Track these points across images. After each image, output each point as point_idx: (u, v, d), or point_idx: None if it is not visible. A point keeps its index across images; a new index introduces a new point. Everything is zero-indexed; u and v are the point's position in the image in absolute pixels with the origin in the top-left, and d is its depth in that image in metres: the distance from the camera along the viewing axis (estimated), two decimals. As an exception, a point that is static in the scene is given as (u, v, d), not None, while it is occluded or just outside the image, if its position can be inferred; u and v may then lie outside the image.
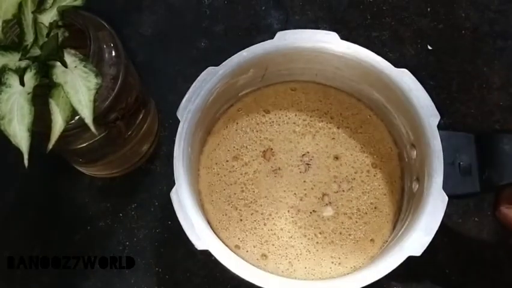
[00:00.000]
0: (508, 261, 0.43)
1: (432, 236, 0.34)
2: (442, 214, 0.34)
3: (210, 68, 0.38)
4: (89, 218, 0.45)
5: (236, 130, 0.41)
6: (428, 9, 0.52)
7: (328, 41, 0.39)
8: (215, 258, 0.43)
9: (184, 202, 0.35)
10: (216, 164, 0.40)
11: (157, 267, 0.44)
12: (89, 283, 0.43)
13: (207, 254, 0.44)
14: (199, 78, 0.38)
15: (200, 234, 0.34)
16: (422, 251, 0.33)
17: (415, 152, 0.38)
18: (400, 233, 0.36)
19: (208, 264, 0.43)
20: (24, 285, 0.44)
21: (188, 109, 0.37)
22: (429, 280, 0.43)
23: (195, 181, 0.39)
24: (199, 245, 0.34)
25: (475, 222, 0.44)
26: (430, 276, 0.43)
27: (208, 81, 0.38)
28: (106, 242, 0.44)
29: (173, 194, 0.35)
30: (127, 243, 0.44)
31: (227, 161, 0.40)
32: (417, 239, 0.34)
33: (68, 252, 0.44)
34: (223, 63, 0.38)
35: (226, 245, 0.38)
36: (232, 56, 0.38)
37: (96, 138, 0.38)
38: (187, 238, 0.44)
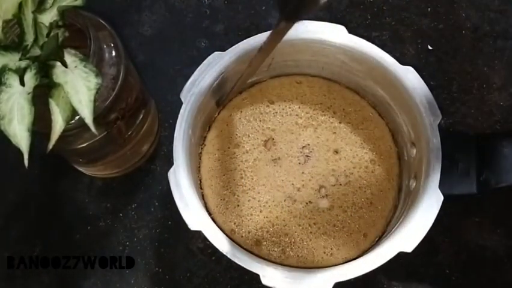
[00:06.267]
0: (508, 261, 0.43)
1: (425, 233, 0.34)
2: (436, 212, 0.34)
3: (216, 53, 0.38)
4: (89, 218, 0.45)
5: (240, 118, 0.42)
6: (429, 9, 0.52)
7: (335, 34, 0.39)
8: (215, 258, 0.44)
9: (181, 182, 0.35)
10: (218, 150, 0.41)
11: (157, 268, 0.44)
12: (89, 283, 0.43)
13: (207, 254, 0.44)
14: (204, 62, 0.38)
15: (194, 215, 0.34)
16: (413, 247, 0.33)
17: (415, 151, 0.39)
18: (394, 229, 0.36)
19: (208, 264, 0.43)
20: (24, 285, 0.44)
21: (192, 92, 0.37)
22: (430, 280, 0.43)
23: (194, 164, 0.40)
24: (193, 226, 0.34)
25: (475, 222, 0.44)
26: (430, 277, 0.43)
27: (213, 65, 0.38)
28: (106, 242, 0.44)
29: (170, 174, 0.35)
30: (127, 243, 0.44)
31: (229, 147, 0.41)
32: (409, 235, 0.34)
33: (68, 252, 0.44)
34: (230, 49, 0.39)
35: (223, 229, 0.38)
36: (239, 43, 0.39)
37: (96, 138, 0.38)
38: (187, 238, 0.44)
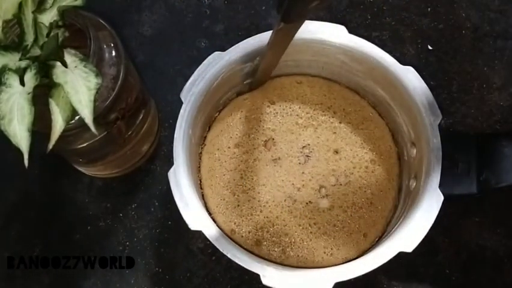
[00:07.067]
0: (508, 261, 0.43)
1: (425, 233, 0.34)
2: (436, 212, 0.34)
3: (216, 53, 0.38)
4: (89, 218, 0.45)
5: (240, 118, 0.42)
6: (429, 9, 0.52)
7: (335, 34, 0.39)
8: (215, 258, 0.44)
9: (181, 182, 0.35)
10: (218, 149, 0.41)
11: (157, 268, 0.44)
12: (89, 283, 0.43)
13: (207, 254, 0.44)
14: (204, 62, 0.38)
15: (194, 215, 0.34)
16: (413, 247, 0.34)
17: (415, 151, 0.39)
18: (394, 229, 0.36)
19: (208, 264, 0.43)
20: (24, 285, 0.44)
21: (192, 92, 0.37)
22: (430, 280, 0.43)
23: (194, 164, 0.40)
24: (193, 225, 0.34)
25: (475, 222, 0.44)
26: (430, 277, 0.43)
27: (213, 65, 0.38)
28: (106, 242, 0.44)
29: (170, 174, 0.35)
30: (127, 243, 0.44)
31: (229, 147, 0.41)
32: (409, 235, 0.34)
33: (68, 252, 0.44)
34: (230, 49, 0.39)
35: (222, 229, 0.38)
36: (239, 43, 0.39)
37: (96, 138, 0.38)
38: (187, 238, 0.44)
